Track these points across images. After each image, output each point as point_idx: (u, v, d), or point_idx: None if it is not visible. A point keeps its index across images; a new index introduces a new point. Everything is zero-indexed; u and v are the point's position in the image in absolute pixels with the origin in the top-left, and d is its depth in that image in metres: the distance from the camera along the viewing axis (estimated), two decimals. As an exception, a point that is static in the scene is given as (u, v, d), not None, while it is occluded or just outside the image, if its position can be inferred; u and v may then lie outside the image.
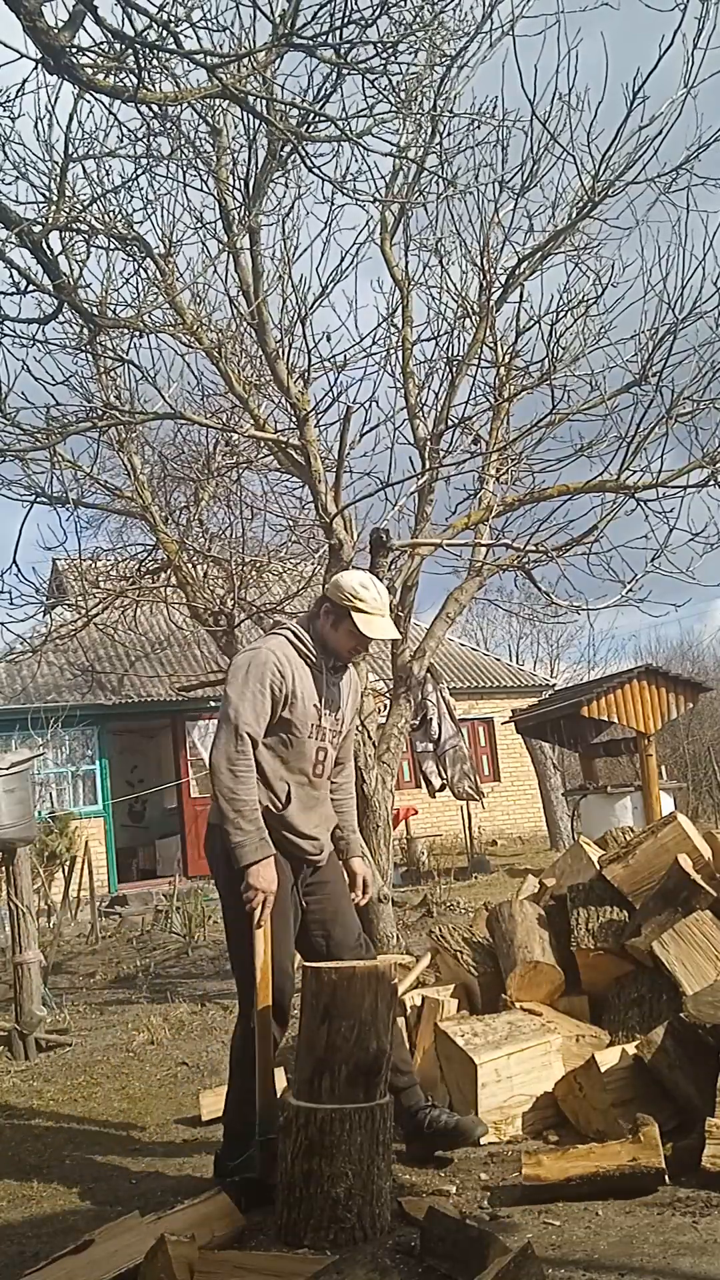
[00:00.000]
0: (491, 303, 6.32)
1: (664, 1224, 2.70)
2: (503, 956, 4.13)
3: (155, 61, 3.04)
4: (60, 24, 2.73)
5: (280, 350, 5.97)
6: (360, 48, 3.13)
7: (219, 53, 3.52)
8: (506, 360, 6.42)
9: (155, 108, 3.48)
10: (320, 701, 3.29)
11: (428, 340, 6.65)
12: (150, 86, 3.01)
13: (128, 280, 6.18)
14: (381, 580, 5.44)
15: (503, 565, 6.11)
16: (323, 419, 6.24)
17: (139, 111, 3.78)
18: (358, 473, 6.55)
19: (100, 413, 5.89)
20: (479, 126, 5.90)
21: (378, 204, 6.02)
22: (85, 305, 4.60)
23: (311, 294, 5.88)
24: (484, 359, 6.52)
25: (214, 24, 4.06)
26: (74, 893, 12.11)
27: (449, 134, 5.99)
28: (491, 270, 6.28)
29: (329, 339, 8.94)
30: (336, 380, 6.32)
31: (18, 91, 3.24)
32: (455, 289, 6.47)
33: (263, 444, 6.81)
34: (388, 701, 6.62)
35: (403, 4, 3.70)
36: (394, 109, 3.97)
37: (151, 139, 4.15)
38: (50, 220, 3.69)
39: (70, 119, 3.79)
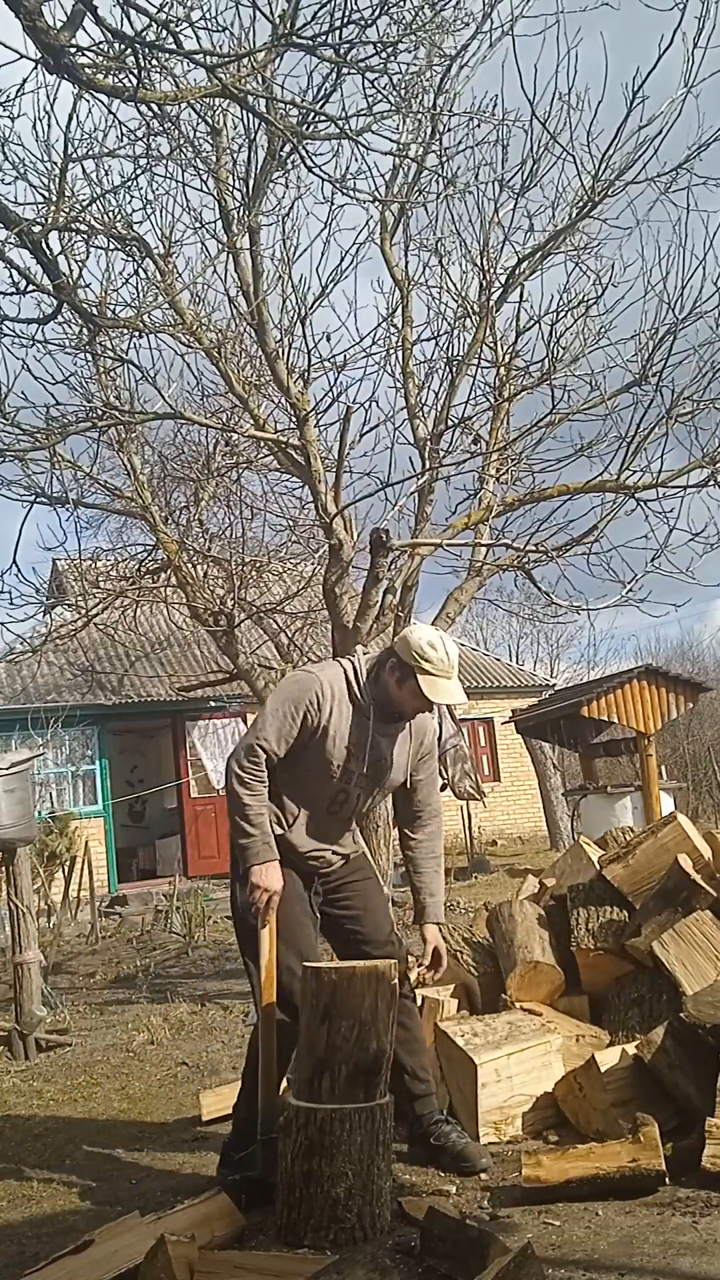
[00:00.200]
0: (491, 303, 6.31)
1: (664, 1224, 2.70)
2: (503, 956, 4.12)
3: (155, 61, 3.04)
4: (60, 24, 2.73)
5: (280, 350, 5.97)
6: (360, 47, 3.13)
7: (219, 52, 3.52)
8: (506, 360, 6.42)
9: (155, 107, 3.47)
10: (353, 744, 3.20)
11: (428, 340, 6.66)
12: (150, 86, 3.01)
13: (127, 280, 6.18)
14: (381, 580, 5.46)
15: (503, 565, 6.11)
16: (323, 419, 6.24)
17: (138, 111, 3.77)
18: (358, 473, 6.56)
19: (100, 413, 5.88)
20: (479, 125, 5.90)
21: (377, 204, 6.01)
22: (85, 305, 4.60)
23: (311, 294, 5.89)
24: (484, 359, 6.52)
25: (213, 24, 4.06)
26: (74, 893, 12.11)
27: (449, 130, 5.99)
28: (491, 270, 6.27)
29: (329, 339, 8.95)
30: (336, 380, 6.32)
31: (17, 91, 3.24)
32: (455, 289, 6.47)
33: (263, 444, 6.81)
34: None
35: (403, 3, 3.70)
36: (394, 108, 3.97)
37: (151, 139, 4.15)
38: (50, 220, 3.69)
39: (70, 119, 3.80)
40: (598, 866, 4.44)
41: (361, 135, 3.62)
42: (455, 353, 6.45)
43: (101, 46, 2.96)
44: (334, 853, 3.35)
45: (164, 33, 2.85)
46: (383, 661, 3.24)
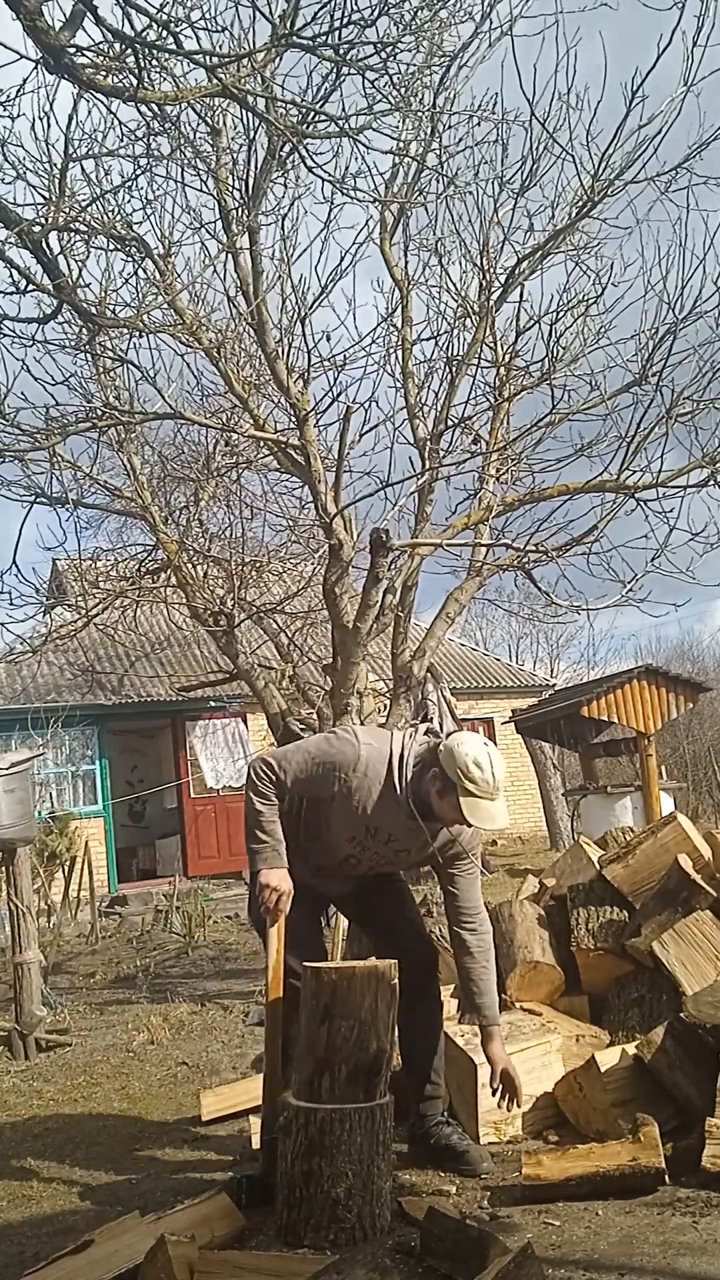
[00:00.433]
0: (491, 302, 6.31)
1: (664, 1224, 2.70)
2: (503, 956, 4.12)
3: (155, 61, 3.04)
4: (60, 24, 2.73)
5: (280, 350, 5.97)
6: (360, 47, 3.13)
7: (219, 52, 3.52)
8: (506, 360, 6.41)
9: (155, 107, 3.47)
10: (376, 824, 3.16)
11: (427, 340, 6.66)
12: (150, 86, 3.01)
13: (127, 280, 6.19)
14: (381, 580, 5.46)
15: (503, 565, 6.10)
16: (322, 419, 6.24)
17: (139, 111, 3.77)
18: (358, 473, 6.56)
19: (100, 413, 5.88)
20: (479, 124, 5.89)
21: (377, 203, 6.01)
22: (85, 305, 4.60)
23: (311, 294, 5.88)
24: (484, 359, 6.52)
25: (213, 24, 4.06)
26: (74, 893, 12.11)
27: (449, 129, 5.98)
28: (491, 270, 6.27)
29: (328, 339, 8.91)
30: (336, 380, 6.31)
31: (18, 91, 3.24)
32: (455, 289, 6.46)
33: (262, 444, 6.81)
34: (388, 701, 6.62)
35: (403, 3, 3.70)
36: (394, 107, 3.97)
37: (151, 139, 4.15)
38: (50, 220, 3.69)
39: (70, 119, 3.79)
40: (598, 866, 4.44)
41: (361, 134, 3.62)
42: (455, 352, 6.45)
43: (101, 47, 2.96)
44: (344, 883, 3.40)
45: (164, 33, 2.85)
46: (426, 764, 3.11)
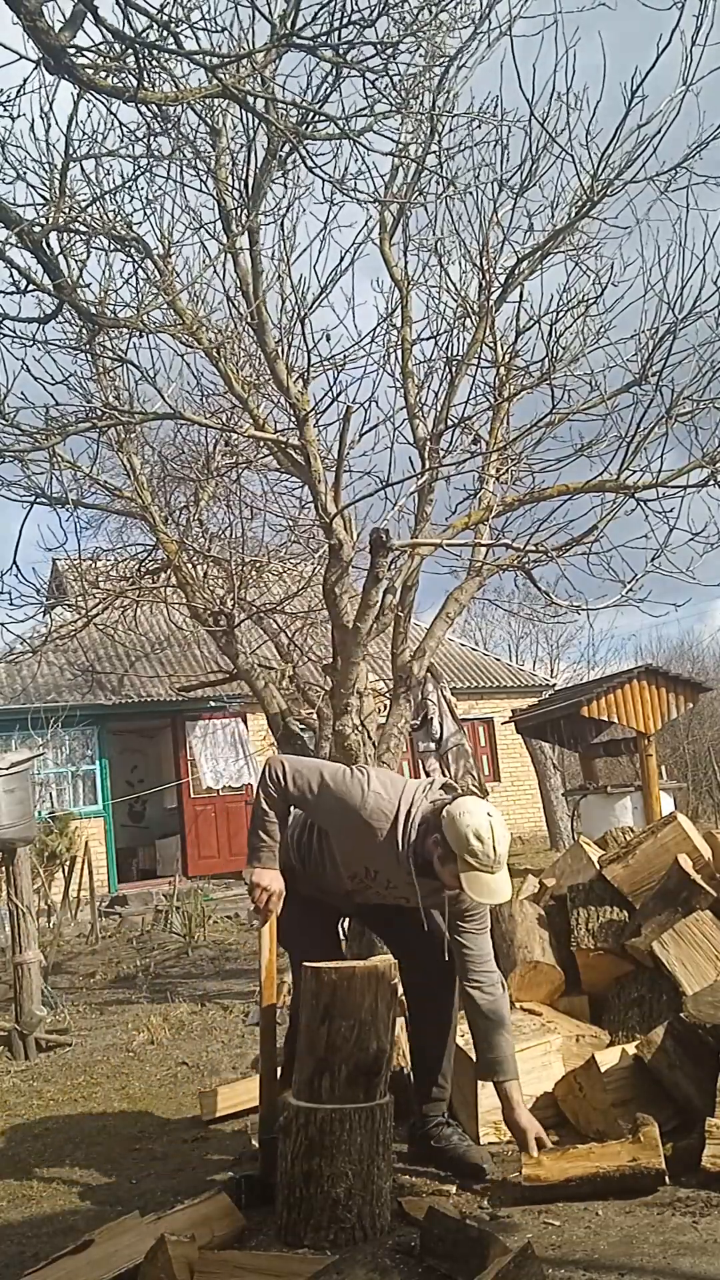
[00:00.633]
0: (491, 302, 6.31)
1: (664, 1224, 2.70)
2: (503, 956, 4.12)
3: (155, 62, 3.04)
4: (60, 24, 2.73)
5: (280, 350, 5.96)
6: (360, 47, 3.13)
7: (219, 53, 3.52)
8: (506, 360, 6.41)
9: (155, 108, 3.48)
10: (373, 864, 3.16)
11: (427, 340, 6.65)
12: (150, 87, 3.01)
13: (127, 280, 6.18)
14: (381, 580, 5.46)
15: (503, 565, 6.10)
16: (322, 419, 6.23)
17: (139, 112, 3.77)
18: (358, 473, 6.55)
19: (100, 413, 5.88)
20: (479, 126, 5.89)
21: (377, 204, 6.01)
22: (85, 305, 4.60)
23: (310, 294, 5.88)
24: (484, 359, 6.51)
25: (213, 25, 4.06)
26: (74, 893, 12.12)
27: (450, 131, 5.98)
28: (491, 270, 6.26)
29: (328, 339, 8.90)
30: (336, 380, 6.30)
31: (18, 92, 3.24)
32: (455, 289, 6.46)
33: (262, 444, 6.80)
34: (388, 701, 6.62)
35: (402, 4, 3.70)
36: (394, 108, 3.97)
37: (151, 139, 4.15)
38: (50, 220, 3.69)
39: (70, 119, 3.79)
40: (598, 866, 4.44)
41: (362, 136, 3.62)
42: (455, 352, 6.44)
43: (101, 47, 2.96)
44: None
45: (164, 33, 2.85)
46: (430, 827, 3.05)
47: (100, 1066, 5.31)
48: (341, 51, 3.12)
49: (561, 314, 6.10)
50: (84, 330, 5.75)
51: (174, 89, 3.14)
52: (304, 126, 4.33)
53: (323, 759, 6.58)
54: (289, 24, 3.03)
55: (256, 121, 5.28)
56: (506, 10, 5.52)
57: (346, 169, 5.74)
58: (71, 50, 2.75)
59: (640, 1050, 3.30)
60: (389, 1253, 2.65)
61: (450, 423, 6.32)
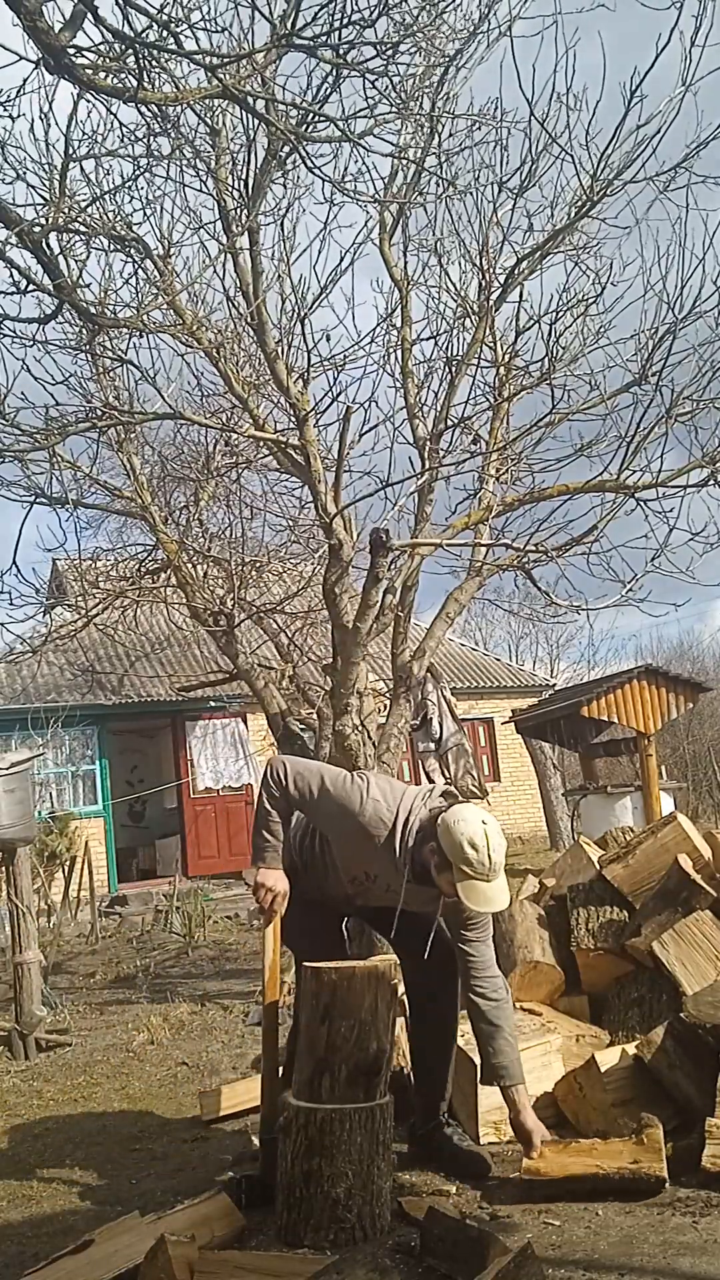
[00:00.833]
0: (491, 302, 6.31)
1: (664, 1224, 2.70)
2: (503, 956, 4.12)
3: (155, 62, 3.04)
4: (60, 24, 2.73)
5: (279, 350, 5.96)
6: (360, 48, 3.13)
7: (219, 53, 3.52)
8: (506, 360, 6.41)
9: (155, 108, 3.48)
10: (372, 869, 3.17)
11: (427, 340, 6.65)
12: (150, 87, 3.01)
13: (127, 281, 6.18)
14: (381, 580, 5.46)
15: (503, 565, 6.10)
16: (322, 419, 6.23)
17: (139, 112, 3.78)
18: (358, 473, 6.55)
19: (100, 413, 5.88)
20: (478, 127, 5.89)
21: (377, 204, 6.01)
22: (85, 305, 4.60)
23: (310, 294, 5.88)
24: (483, 359, 6.51)
25: (213, 25, 4.06)
26: (74, 893, 12.12)
27: (450, 135, 5.98)
28: (491, 270, 6.26)
29: (328, 339, 8.91)
30: (336, 380, 6.30)
31: (18, 92, 3.24)
32: (454, 289, 6.46)
33: (262, 444, 6.80)
34: (388, 701, 6.62)
35: (402, 4, 3.70)
36: (393, 109, 3.97)
37: (151, 139, 4.15)
38: (50, 221, 3.69)
39: (70, 119, 3.79)
40: (598, 866, 4.44)
41: (363, 138, 3.62)
42: (455, 352, 6.44)
43: (101, 47, 2.96)
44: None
45: (164, 33, 2.85)
46: (428, 835, 3.05)
47: (100, 1066, 5.31)
48: (341, 52, 3.12)
49: (561, 314, 6.10)
50: (84, 330, 5.75)
51: (174, 89, 3.14)
52: (304, 127, 4.34)
53: (323, 759, 6.59)
54: (289, 24, 3.03)
55: (256, 122, 5.28)
56: (506, 11, 5.53)
57: (346, 169, 5.75)
58: (71, 50, 2.75)
59: (640, 1050, 3.30)
60: (389, 1253, 2.65)
61: (450, 423, 6.32)
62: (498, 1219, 2.85)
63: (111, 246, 5.06)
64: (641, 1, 4.69)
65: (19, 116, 3.86)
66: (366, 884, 3.21)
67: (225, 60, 3.15)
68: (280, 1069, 3.27)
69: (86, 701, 14.06)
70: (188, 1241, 2.49)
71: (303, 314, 5.84)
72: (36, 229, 3.29)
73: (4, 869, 5.96)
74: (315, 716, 7.86)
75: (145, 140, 4.08)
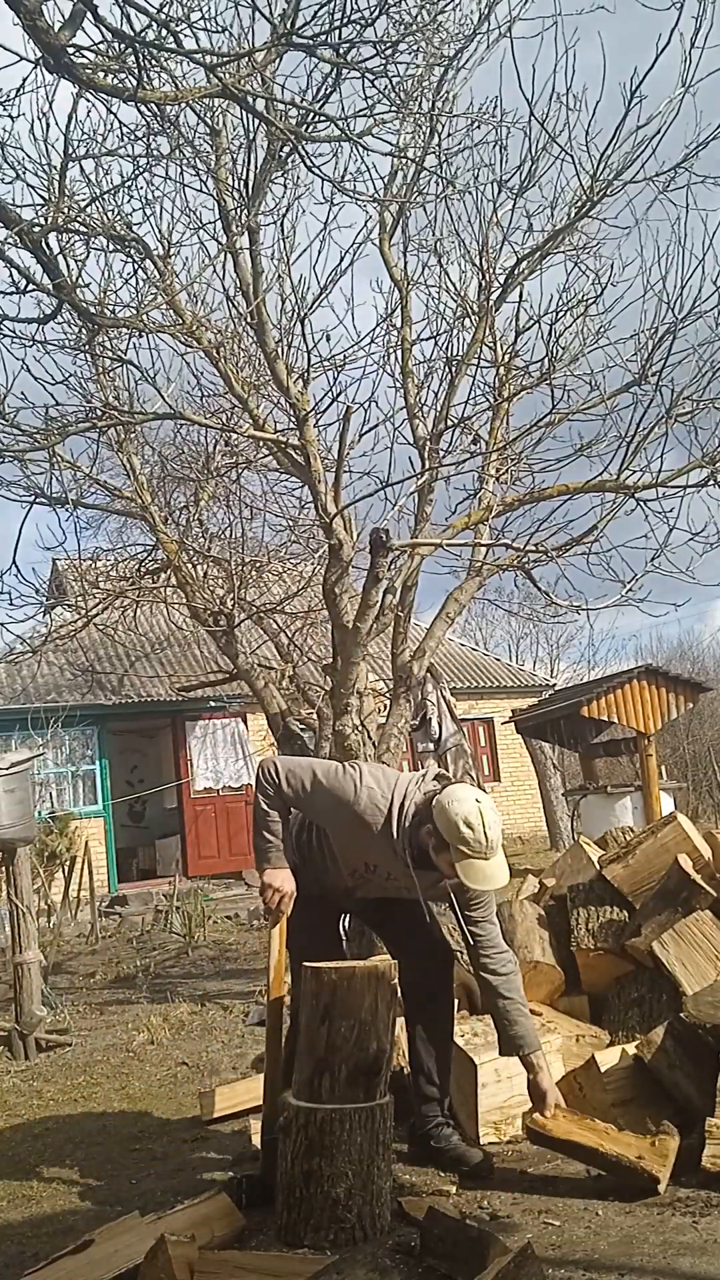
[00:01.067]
0: (491, 302, 6.31)
1: (664, 1224, 2.70)
2: (503, 956, 4.12)
3: (154, 61, 3.04)
4: (60, 23, 2.73)
5: (279, 350, 5.96)
6: (359, 48, 3.13)
7: (219, 52, 3.52)
8: (506, 360, 6.41)
9: (155, 107, 3.47)
10: (372, 858, 3.17)
11: (427, 340, 6.65)
12: (149, 86, 3.01)
13: (127, 281, 6.18)
14: (381, 580, 5.46)
15: (503, 565, 6.10)
16: (322, 419, 6.23)
17: (138, 111, 3.77)
18: (357, 473, 6.55)
19: (100, 413, 5.88)
20: (478, 126, 5.89)
21: (377, 203, 6.00)
22: (84, 305, 4.59)
23: (310, 294, 5.88)
24: (483, 359, 6.51)
25: (213, 25, 4.06)
26: (74, 893, 12.12)
27: (449, 135, 5.98)
28: (490, 270, 6.26)
29: (328, 339, 8.91)
30: (336, 380, 6.30)
31: (17, 91, 3.24)
32: (454, 289, 6.46)
33: (262, 444, 6.80)
34: (388, 701, 6.62)
35: (402, 4, 3.70)
36: (393, 109, 3.96)
37: (151, 139, 4.15)
38: (50, 220, 3.69)
39: (70, 119, 3.79)
40: (598, 866, 4.44)
41: (362, 137, 3.62)
42: (455, 352, 6.44)
43: (101, 46, 2.96)
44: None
45: (164, 32, 2.85)
46: (423, 818, 3.06)
47: (100, 1066, 5.31)
48: (341, 51, 3.12)
49: (561, 314, 6.10)
50: (84, 330, 5.75)
51: (173, 88, 3.14)
52: (304, 127, 4.33)
53: (323, 759, 6.58)
54: (289, 23, 3.03)
55: (256, 122, 5.28)
56: (506, 11, 5.53)
57: (346, 170, 5.75)
58: (71, 49, 2.75)
59: (640, 1050, 3.30)
60: (389, 1253, 2.65)
61: (450, 423, 6.32)
62: (498, 1219, 2.85)
63: (111, 246, 5.06)
64: (642, 2, 4.69)
65: (19, 116, 3.86)
66: (366, 875, 3.21)
67: (225, 59, 3.15)
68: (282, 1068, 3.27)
69: (86, 701, 14.05)
70: (188, 1241, 2.49)
71: (303, 314, 5.84)
72: (36, 229, 3.29)
73: (4, 869, 5.96)
74: (315, 716, 7.86)
75: (145, 140, 4.08)
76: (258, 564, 8.20)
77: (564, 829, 15.12)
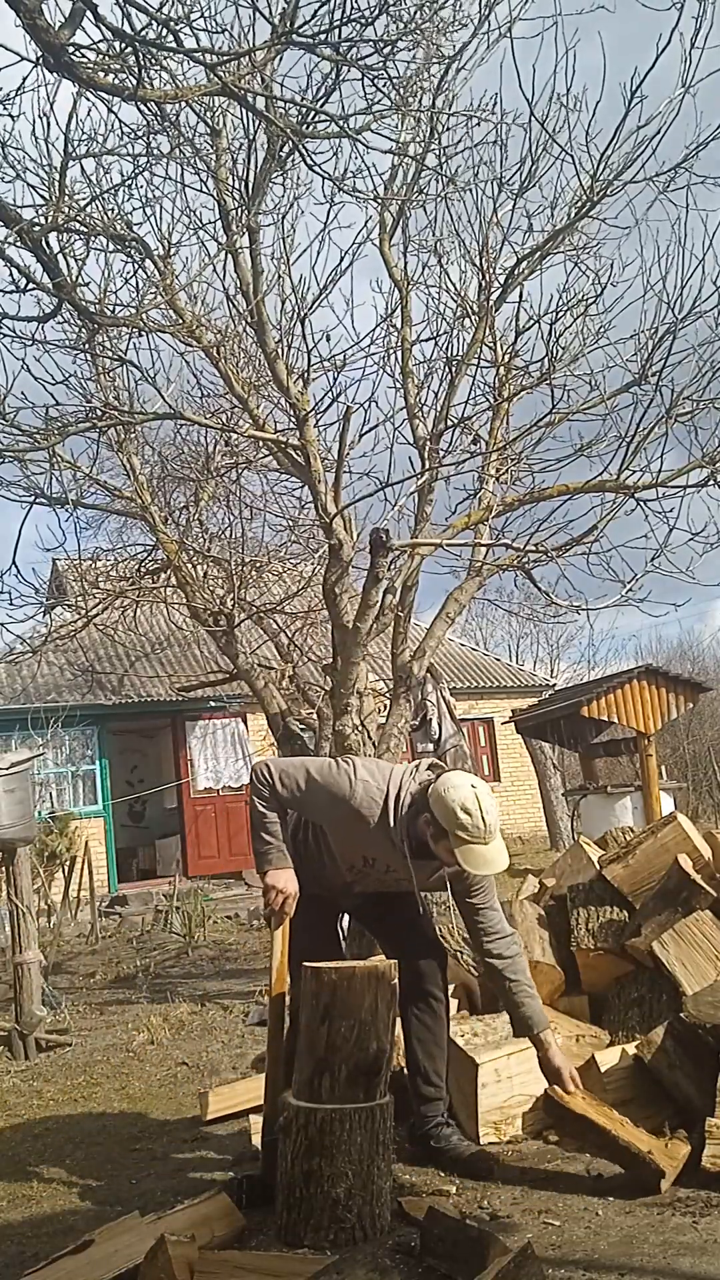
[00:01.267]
0: (491, 302, 6.31)
1: (664, 1224, 2.70)
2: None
3: (154, 60, 3.03)
4: (60, 22, 2.73)
5: (280, 350, 5.96)
6: (359, 46, 3.13)
7: (219, 51, 3.52)
8: (506, 360, 6.41)
9: (155, 106, 3.47)
10: (370, 852, 3.18)
11: (427, 340, 6.65)
12: (149, 85, 3.01)
13: (127, 281, 6.18)
14: (381, 580, 5.45)
15: (503, 565, 6.09)
16: (322, 419, 6.23)
17: (139, 110, 3.77)
18: (357, 473, 6.54)
19: (100, 413, 5.88)
20: (478, 124, 5.88)
21: (377, 202, 6.00)
22: (84, 304, 4.59)
23: (310, 294, 5.88)
24: (483, 359, 6.51)
25: (213, 25, 4.06)
26: (74, 893, 12.12)
27: (448, 130, 5.97)
28: (491, 270, 6.26)
29: (328, 339, 8.90)
30: (336, 380, 6.30)
31: (17, 91, 3.24)
32: (454, 289, 6.46)
33: (262, 444, 6.80)
34: (388, 701, 6.62)
35: (401, 2, 3.69)
36: (393, 106, 3.96)
37: (151, 138, 4.14)
38: (50, 220, 3.69)
39: (70, 118, 3.78)
40: (598, 866, 4.44)
41: (361, 133, 3.61)
42: (455, 352, 6.44)
43: (101, 45, 2.96)
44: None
45: (164, 31, 2.85)
46: (420, 807, 3.07)
47: (100, 1066, 5.31)
48: (341, 50, 3.12)
49: (561, 314, 6.10)
50: (84, 330, 5.75)
51: (174, 87, 3.13)
52: (304, 126, 4.33)
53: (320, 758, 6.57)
54: (288, 22, 3.03)
55: (256, 121, 5.28)
56: (506, 12, 5.53)
57: (346, 169, 5.74)
58: (71, 48, 2.75)
59: (640, 1050, 3.30)
60: (389, 1253, 2.65)
61: (450, 423, 6.32)
62: (498, 1219, 2.84)
63: (111, 246, 5.05)
64: (642, 2, 4.69)
65: (19, 116, 3.85)
66: (365, 869, 3.21)
67: (225, 58, 3.14)
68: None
69: (86, 701, 14.06)
70: (188, 1241, 2.49)
71: (303, 314, 5.84)
72: (36, 228, 3.29)
73: (4, 869, 5.96)
74: (315, 716, 7.86)
75: (145, 139, 4.08)
76: (258, 564, 8.20)
77: (564, 829, 15.13)
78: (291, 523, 8.12)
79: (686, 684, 11.04)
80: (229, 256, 5.91)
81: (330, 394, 6.24)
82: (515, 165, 5.97)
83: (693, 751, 21.60)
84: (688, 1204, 2.80)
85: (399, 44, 3.48)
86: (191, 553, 7.52)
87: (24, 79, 3.19)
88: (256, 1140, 3.29)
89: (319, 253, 11.37)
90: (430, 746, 11.42)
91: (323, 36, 3.04)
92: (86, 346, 6.01)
